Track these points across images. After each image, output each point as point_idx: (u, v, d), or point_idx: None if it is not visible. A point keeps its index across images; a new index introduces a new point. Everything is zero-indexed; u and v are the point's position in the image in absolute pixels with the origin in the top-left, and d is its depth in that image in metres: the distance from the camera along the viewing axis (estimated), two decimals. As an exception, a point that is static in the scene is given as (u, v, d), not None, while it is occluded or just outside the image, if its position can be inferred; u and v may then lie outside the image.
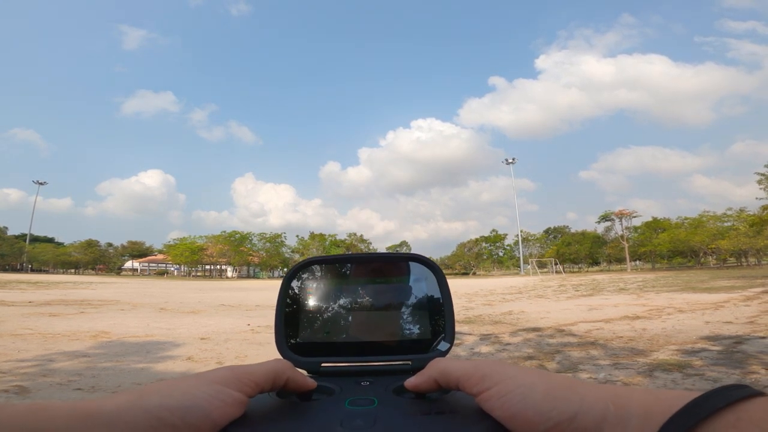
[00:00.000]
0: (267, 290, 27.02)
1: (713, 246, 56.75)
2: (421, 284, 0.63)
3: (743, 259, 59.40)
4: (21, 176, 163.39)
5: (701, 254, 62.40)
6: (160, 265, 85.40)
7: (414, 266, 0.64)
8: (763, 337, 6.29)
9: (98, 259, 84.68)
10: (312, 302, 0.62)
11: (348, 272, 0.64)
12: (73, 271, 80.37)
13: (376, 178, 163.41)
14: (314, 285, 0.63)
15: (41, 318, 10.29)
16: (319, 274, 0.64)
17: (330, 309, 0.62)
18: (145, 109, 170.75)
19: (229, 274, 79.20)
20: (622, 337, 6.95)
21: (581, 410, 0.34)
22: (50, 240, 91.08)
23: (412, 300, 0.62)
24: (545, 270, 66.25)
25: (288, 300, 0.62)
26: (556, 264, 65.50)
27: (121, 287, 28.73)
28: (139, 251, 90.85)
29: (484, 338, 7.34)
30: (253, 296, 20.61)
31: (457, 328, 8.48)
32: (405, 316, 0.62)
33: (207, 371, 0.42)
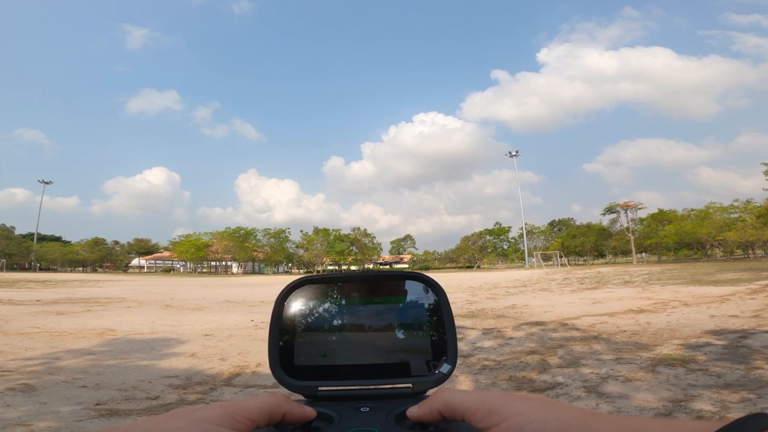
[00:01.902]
0: (271, 286, 27.13)
1: (720, 238, 56.28)
2: (422, 304, 0.61)
3: (750, 251, 58.90)
4: (27, 176, 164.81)
5: (708, 246, 61.91)
6: (166, 262, 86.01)
7: (414, 285, 0.62)
8: (769, 331, 6.24)
9: (105, 257, 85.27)
10: (307, 323, 0.60)
11: (344, 291, 0.62)
12: (80, 269, 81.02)
13: (379, 172, 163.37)
14: (309, 305, 0.61)
15: (48, 316, 10.40)
16: (314, 293, 0.62)
17: (326, 330, 0.59)
18: (149, 107, 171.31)
19: (235, 270, 79.61)
20: (625, 331, 6.92)
21: None
22: (57, 239, 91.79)
23: (412, 320, 0.60)
24: (550, 263, 65.94)
25: (281, 321, 0.60)
26: (561, 257, 65.17)
27: (127, 285, 28.97)
28: (145, 248, 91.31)
29: (487, 332, 7.34)
30: (258, 292, 20.72)
31: (460, 322, 8.48)
32: (405, 338, 0.59)
33: (196, 408, 0.39)
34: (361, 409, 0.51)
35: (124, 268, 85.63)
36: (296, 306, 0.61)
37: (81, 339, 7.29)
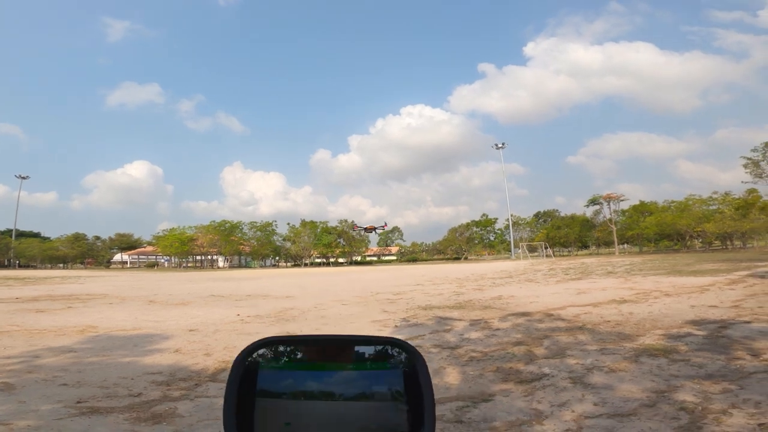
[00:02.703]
0: (258, 279, 26.93)
1: (699, 229, 57.64)
2: (399, 371, 0.57)
3: (728, 242, 60.50)
4: (3, 171, 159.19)
5: (687, 237, 63.38)
6: (150, 257, 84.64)
7: (390, 351, 0.59)
8: (748, 322, 6.41)
9: (86, 252, 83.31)
10: (270, 388, 0.56)
11: (314, 354, 0.58)
12: (61, 265, 79.11)
13: (367, 164, 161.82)
14: (273, 368, 0.57)
15: (27, 314, 10.15)
16: (279, 355, 0.58)
17: (291, 398, 0.55)
18: (130, 100, 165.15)
19: (221, 264, 78.80)
20: (609, 321, 7.04)
21: None
22: (36, 235, 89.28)
23: (388, 388, 0.57)
24: (536, 254, 66.70)
25: (241, 386, 0.55)
26: (546, 248, 66.00)
27: (110, 281, 28.47)
28: (127, 243, 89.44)
29: (474, 323, 7.39)
30: (244, 286, 20.54)
31: (447, 313, 8.53)
32: (380, 407, 0.56)
33: None
34: None
35: (107, 263, 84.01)
36: (259, 369, 0.57)
37: (61, 336, 7.12)
